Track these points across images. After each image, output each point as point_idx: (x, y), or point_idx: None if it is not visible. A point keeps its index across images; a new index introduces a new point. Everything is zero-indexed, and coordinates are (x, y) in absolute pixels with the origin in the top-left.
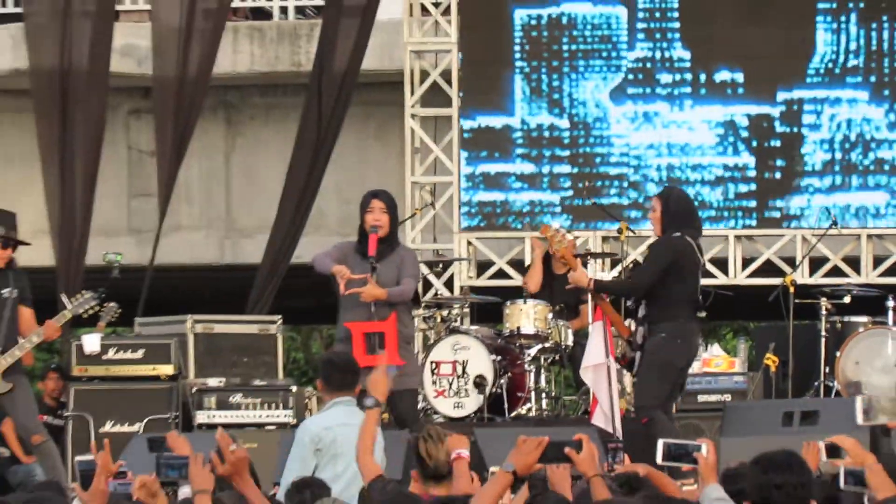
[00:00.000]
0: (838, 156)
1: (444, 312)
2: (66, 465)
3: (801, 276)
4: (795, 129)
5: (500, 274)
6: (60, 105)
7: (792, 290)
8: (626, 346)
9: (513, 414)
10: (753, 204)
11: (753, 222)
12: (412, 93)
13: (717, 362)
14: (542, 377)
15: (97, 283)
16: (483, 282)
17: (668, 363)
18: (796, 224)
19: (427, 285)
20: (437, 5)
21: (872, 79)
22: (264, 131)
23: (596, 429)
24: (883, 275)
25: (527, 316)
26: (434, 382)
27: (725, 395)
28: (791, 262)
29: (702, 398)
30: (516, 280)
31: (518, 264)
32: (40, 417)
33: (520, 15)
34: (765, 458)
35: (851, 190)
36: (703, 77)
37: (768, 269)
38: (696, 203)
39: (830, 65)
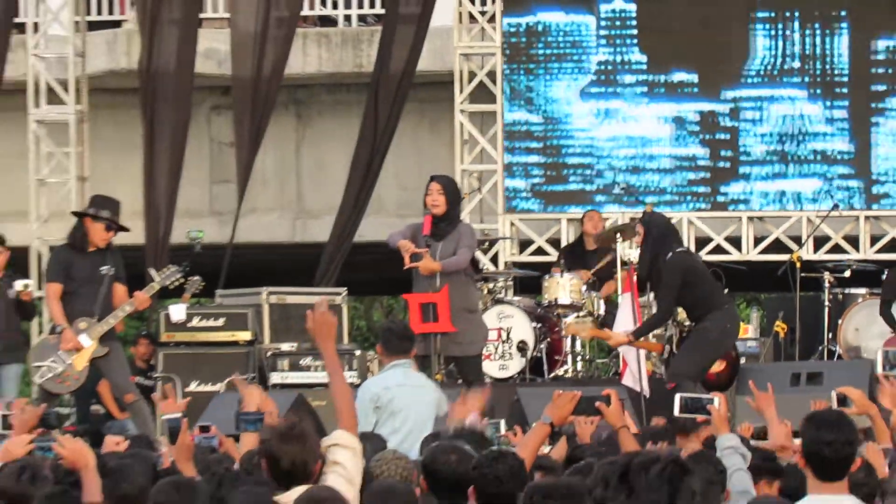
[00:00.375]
0: (778, 147)
1: (491, 285)
2: (156, 421)
3: (807, 253)
4: (739, 124)
5: (540, 251)
6: (151, 102)
7: (798, 265)
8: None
9: (551, 375)
10: (705, 190)
11: (706, 206)
12: (461, 91)
13: None
14: (577, 342)
15: (181, 259)
16: (524, 258)
17: (715, 342)
18: (744, 207)
19: (475, 261)
20: (483, 14)
21: (808, 79)
22: (330, 125)
23: (625, 388)
24: (879, 251)
25: (563, 288)
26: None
27: (740, 358)
28: (797, 240)
29: None
30: (553, 256)
31: (555, 242)
32: (132, 378)
33: (506, 22)
34: (817, 416)
35: (789, 177)
36: (660, 78)
37: (778, 246)
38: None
39: (769, 67)
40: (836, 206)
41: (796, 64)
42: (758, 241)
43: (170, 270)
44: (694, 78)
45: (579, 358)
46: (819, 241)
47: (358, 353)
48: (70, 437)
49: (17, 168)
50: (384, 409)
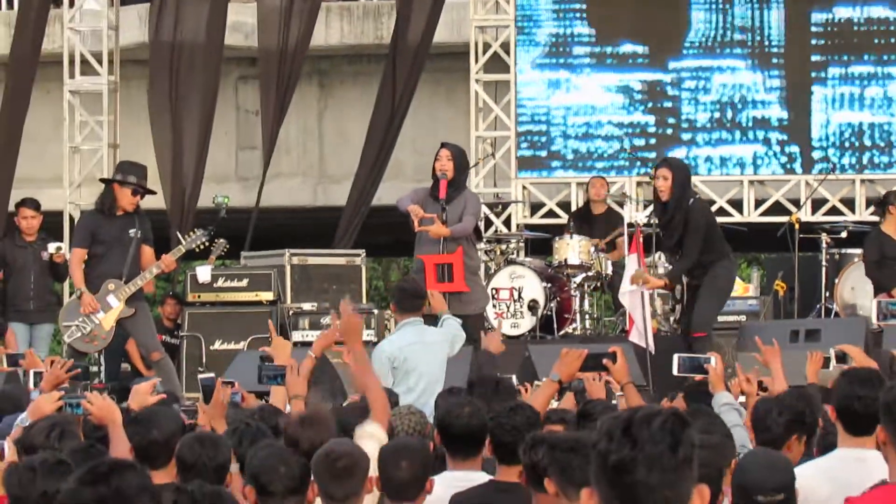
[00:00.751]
0: (720, 115)
1: (503, 246)
2: (182, 377)
3: (805, 215)
4: (682, 93)
5: (550, 214)
6: (176, 72)
7: (797, 226)
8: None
9: (561, 332)
10: (652, 155)
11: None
12: (476, 61)
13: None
14: (586, 301)
15: (207, 223)
16: (536, 220)
17: (726, 290)
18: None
19: (488, 223)
20: None
21: (747, 50)
22: (351, 94)
23: (632, 344)
24: (874, 213)
25: (572, 249)
26: (494, 306)
27: (741, 315)
28: (796, 202)
29: (721, 318)
30: (563, 219)
31: (565, 206)
32: (159, 337)
33: None
34: (851, 372)
35: (734, 143)
36: (608, 49)
37: (778, 208)
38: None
39: (709, 39)
40: (832, 170)
41: (736, 36)
42: (758, 203)
43: (195, 234)
44: (641, 49)
45: (587, 316)
46: (816, 204)
47: (376, 312)
48: (98, 394)
49: (53, 137)
50: (400, 368)
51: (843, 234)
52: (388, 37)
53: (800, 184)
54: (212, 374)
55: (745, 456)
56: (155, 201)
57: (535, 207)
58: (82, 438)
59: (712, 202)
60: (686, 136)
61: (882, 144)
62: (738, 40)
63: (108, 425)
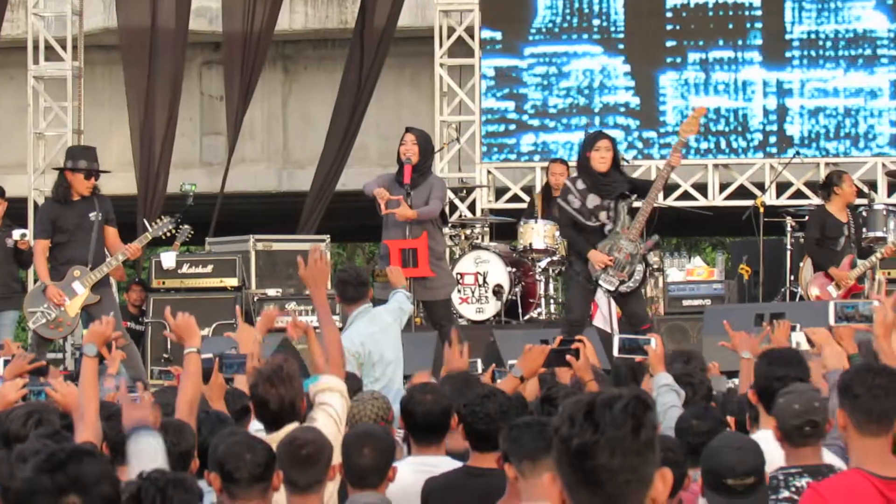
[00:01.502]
0: (574, 101)
1: (468, 231)
2: (147, 364)
3: (770, 199)
4: (537, 79)
5: (515, 198)
6: (148, 58)
7: (762, 210)
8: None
9: (526, 317)
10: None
11: (511, 156)
12: (440, 46)
13: (698, 272)
14: (551, 286)
15: (175, 209)
16: (500, 205)
17: None
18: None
19: (453, 208)
20: None
21: (595, 36)
22: (316, 79)
23: (596, 329)
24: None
25: (537, 234)
26: (459, 291)
27: (706, 299)
28: (761, 186)
29: (686, 303)
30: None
31: (529, 190)
32: (124, 323)
33: None
34: (771, 353)
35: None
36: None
37: (742, 192)
38: None
39: (554, 25)
40: (797, 154)
41: (579, 21)
42: (722, 187)
43: (162, 222)
44: (497, 36)
45: (552, 301)
46: (781, 187)
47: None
48: (62, 381)
49: (17, 122)
50: (366, 363)
51: (808, 218)
52: (352, 21)
53: (764, 167)
54: (209, 355)
55: (715, 440)
56: (124, 186)
57: (500, 192)
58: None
59: (677, 186)
60: (544, 122)
61: (739, 129)
62: (584, 26)
63: (72, 412)
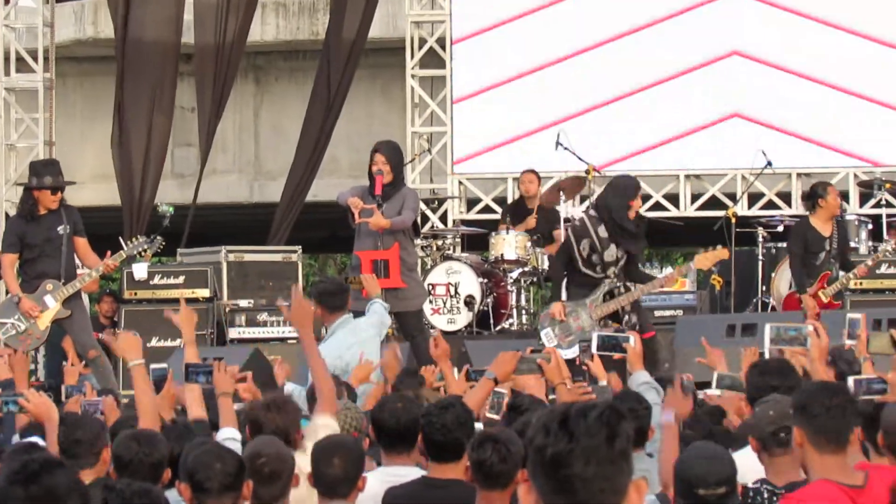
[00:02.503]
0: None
1: (439, 242)
2: (119, 375)
3: (741, 209)
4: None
5: (487, 209)
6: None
7: (733, 220)
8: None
9: (497, 328)
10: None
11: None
12: (412, 57)
13: None
14: (523, 296)
15: (156, 225)
16: (472, 216)
17: None
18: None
19: (424, 219)
20: None
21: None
22: (288, 90)
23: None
24: (805, 207)
25: (509, 244)
26: (431, 301)
27: (678, 310)
28: (732, 197)
29: (658, 313)
30: (499, 214)
31: (501, 201)
32: (95, 335)
33: None
34: (762, 363)
35: None
36: None
37: (714, 203)
38: None
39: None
40: (768, 164)
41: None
42: (694, 198)
43: (138, 241)
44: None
45: (524, 311)
46: (753, 198)
47: (312, 308)
48: (35, 392)
49: None
50: (343, 375)
51: (780, 228)
52: (323, 33)
53: (736, 178)
54: (164, 365)
55: (686, 450)
56: (100, 198)
57: (472, 203)
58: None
59: (649, 196)
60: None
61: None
62: None
63: (44, 423)
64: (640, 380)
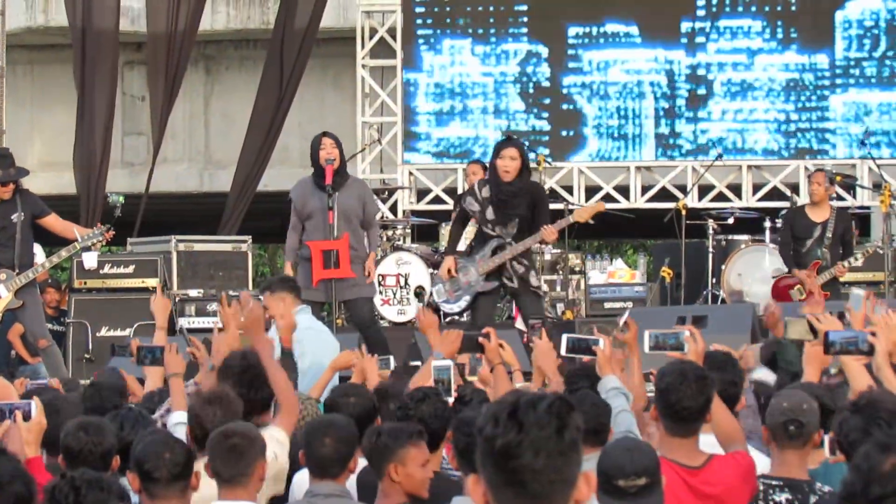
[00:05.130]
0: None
1: (390, 233)
2: (68, 364)
3: (692, 201)
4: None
5: (437, 200)
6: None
7: (684, 212)
8: None
9: (447, 319)
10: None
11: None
12: (363, 47)
13: (620, 274)
14: None
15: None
16: (422, 206)
17: None
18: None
19: None
20: None
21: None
22: (238, 79)
23: (517, 330)
24: (761, 199)
25: None
26: (381, 292)
27: (628, 302)
28: (683, 189)
29: (607, 305)
30: (450, 205)
31: (451, 191)
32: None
33: None
34: (707, 356)
35: None
36: None
37: (664, 195)
38: None
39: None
40: (719, 156)
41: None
42: (644, 189)
43: (93, 232)
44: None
45: None
46: (703, 190)
47: (262, 298)
48: None
49: None
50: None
51: (730, 221)
52: (274, 21)
53: (686, 170)
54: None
55: (609, 443)
56: (48, 187)
57: (422, 193)
58: None
59: (599, 188)
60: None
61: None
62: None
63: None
64: (610, 385)
